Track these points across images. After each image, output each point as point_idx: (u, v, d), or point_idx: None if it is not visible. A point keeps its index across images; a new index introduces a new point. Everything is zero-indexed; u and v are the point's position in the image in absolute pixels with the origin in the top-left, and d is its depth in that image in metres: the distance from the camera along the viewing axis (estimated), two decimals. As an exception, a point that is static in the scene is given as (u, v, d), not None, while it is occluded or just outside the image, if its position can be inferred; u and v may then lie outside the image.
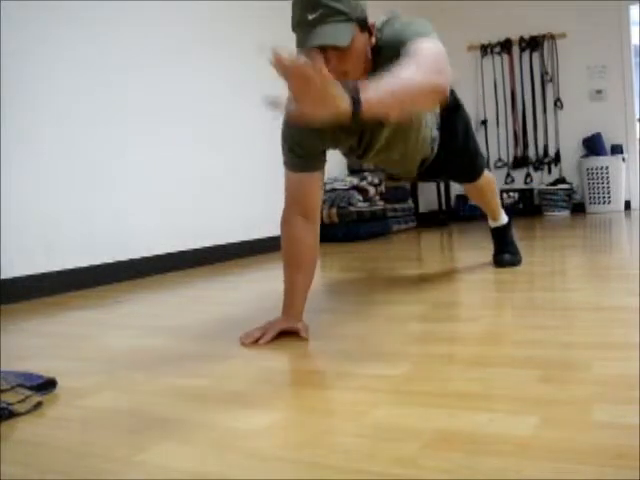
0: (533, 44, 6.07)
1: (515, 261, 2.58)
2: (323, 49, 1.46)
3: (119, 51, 3.16)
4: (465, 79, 6.12)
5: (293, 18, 1.48)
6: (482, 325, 1.65)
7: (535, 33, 6.05)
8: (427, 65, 1.36)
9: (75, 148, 2.92)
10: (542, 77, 6.08)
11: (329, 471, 0.82)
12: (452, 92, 2.02)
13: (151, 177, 3.33)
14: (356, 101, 1.19)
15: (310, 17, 1.43)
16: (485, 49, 6.23)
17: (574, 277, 2.32)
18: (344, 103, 1.17)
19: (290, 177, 1.71)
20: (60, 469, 0.90)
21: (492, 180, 2.48)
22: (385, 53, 1.55)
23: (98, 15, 3.04)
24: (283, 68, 1.11)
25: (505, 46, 6.18)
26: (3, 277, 2.58)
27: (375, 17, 1.63)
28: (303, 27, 1.45)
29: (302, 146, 1.67)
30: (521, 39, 6.11)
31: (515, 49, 6.16)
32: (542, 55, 6.06)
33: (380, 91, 1.24)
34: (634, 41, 5.86)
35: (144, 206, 3.28)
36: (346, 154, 2.00)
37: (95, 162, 3.02)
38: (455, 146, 2.12)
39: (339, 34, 1.44)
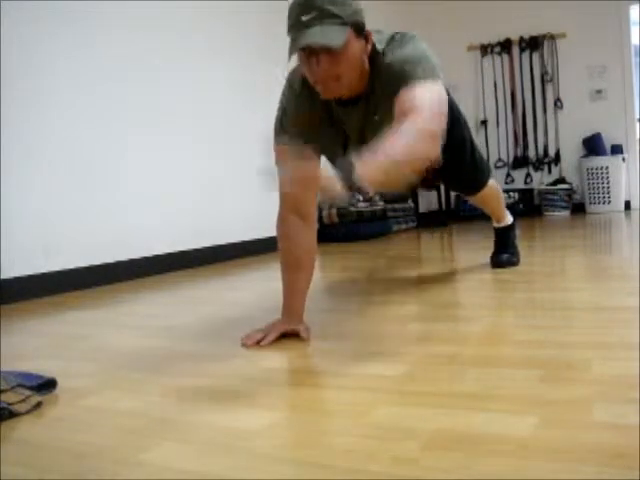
0: (533, 44, 6.06)
1: (512, 261, 2.55)
2: (315, 52, 1.44)
3: (120, 51, 3.15)
4: (465, 79, 6.12)
5: (288, 21, 1.47)
6: (482, 325, 1.65)
7: (535, 33, 6.04)
8: (424, 121, 1.38)
9: (75, 148, 2.92)
10: (542, 77, 6.07)
11: (329, 471, 0.82)
12: (451, 108, 2.02)
13: (151, 177, 3.33)
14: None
15: (304, 18, 1.42)
16: (485, 49, 6.23)
17: (574, 277, 2.32)
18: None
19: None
20: (60, 469, 0.90)
21: (496, 189, 2.44)
22: (387, 76, 1.54)
23: (98, 15, 3.04)
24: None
25: (505, 46, 6.18)
26: (3, 277, 2.58)
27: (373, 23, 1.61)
28: (296, 28, 1.45)
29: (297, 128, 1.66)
30: (521, 39, 6.11)
31: (515, 49, 6.15)
32: (542, 55, 6.05)
33: (377, 163, 1.26)
34: (634, 41, 5.86)
35: (144, 206, 3.28)
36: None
37: (95, 162, 3.02)
38: (452, 160, 2.08)
39: (331, 35, 1.42)
